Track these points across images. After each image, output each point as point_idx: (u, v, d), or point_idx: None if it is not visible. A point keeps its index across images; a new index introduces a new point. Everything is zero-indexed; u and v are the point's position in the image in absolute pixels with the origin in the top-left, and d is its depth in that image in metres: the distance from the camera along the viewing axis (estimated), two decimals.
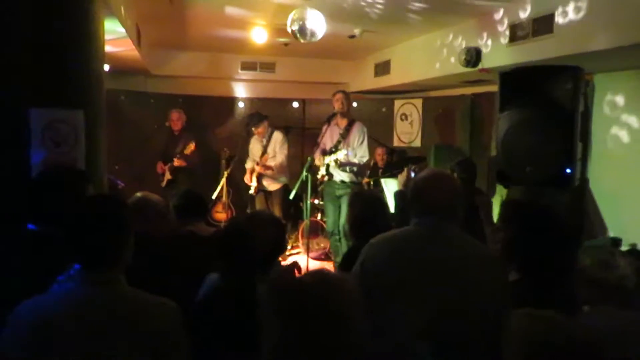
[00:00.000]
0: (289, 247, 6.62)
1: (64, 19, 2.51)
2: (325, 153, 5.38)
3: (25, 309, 1.60)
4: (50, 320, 1.56)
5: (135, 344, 1.59)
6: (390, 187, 5.42)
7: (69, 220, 1.69)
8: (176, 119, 6.63)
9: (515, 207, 2.28)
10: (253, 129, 6.27)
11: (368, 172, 6.01)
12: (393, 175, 5.80)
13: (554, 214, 2.20)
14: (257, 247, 2.11)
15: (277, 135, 6.29)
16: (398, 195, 2.98)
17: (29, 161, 2.31)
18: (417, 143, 7.51)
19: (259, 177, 6.22)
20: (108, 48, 3.50)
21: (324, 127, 5.53)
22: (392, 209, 5.11)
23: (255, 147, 6.41)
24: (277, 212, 6.18)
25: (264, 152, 6.25)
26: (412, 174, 2.89)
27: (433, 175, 2.07)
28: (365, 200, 3.01)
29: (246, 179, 6.33)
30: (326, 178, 5.41)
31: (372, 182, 5.98)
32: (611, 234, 4.42)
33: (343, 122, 5.40)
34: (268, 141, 6.28)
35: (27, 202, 2.02)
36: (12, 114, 2.33)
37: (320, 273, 1.39)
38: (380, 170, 6.52)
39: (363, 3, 4.48)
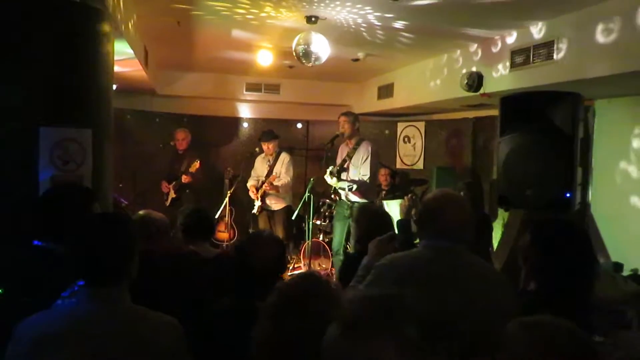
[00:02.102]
0: (290, 267, 6.62)
1: (76, 40, 2.57)
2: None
3: (28, 325, 1.62)
4: (52, 336, 1.58)
5: None
6: (392, 208, 5.44)
7: (75, 237, 1.71)
8: (181, 139, 6.69)
9: (538, 219, 2.25)
10: (264, 143, 6.31)
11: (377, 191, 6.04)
12: (395, 197, 5.84)
13: (584, 232, 2.18)
14: (257, 266, 2.11)
15: (284, 156, 6.34)
16: (401, 225, 3.00)
17: (37, 178, 2.35)
18: (420, 165, 7.56)
19: (263, 196, 6.26)
20: (116, 68, 3.56)
21: (339, 148, 5.63)
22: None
23: (260, 165, 6.46)
24: (280, 231, 6.20)
25: (270, 171, 6.30)
26: (412, 202, 2.92)
27: (444, 197, 2.05)
28: (371, 214, 3.03)
29: (251, 193, 6.36)
30: (338, 198, 5.48)
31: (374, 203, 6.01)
32: (612, 258, 4.42)
33: (351, 142, 5.46)
34: (275, 161, 6.33)
35: (33, 219, 2.04)
36: (23, 132, 2.37)
37: (310, 274, 1.45)
38: (384, 192, 6.56)
39: (366, 28, 4.57)
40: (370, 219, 2.99)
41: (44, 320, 1.63)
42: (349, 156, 5.40)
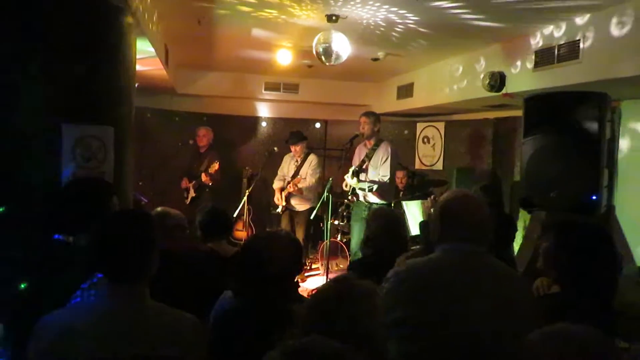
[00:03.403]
0: (308, 267, 6.61)
1: (99, 38, 2.59)
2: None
3: (49, 320, 1.62)
4: (72, 332, 1.58)
5: (157, 356, 1.60)
6: (411, 209, 5.38)
7: (96, 233, 1.71)
8: (202, 135, 6.72)
9: (561, 222, 2.20)
10: (292, 146, 6.31)
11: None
12: (414, 198, 5.78)
13: (604, 232, 2.14)
14: (271, 266, 2.07)
15: (312, 158, 6.31)
16: (423, 226, 2.97)
17: (60, 174, 2.36)
18: (439, 166, 7.49)
19: (288, 197, 6.25)
20: (137, 67, 3.58)
21: (356, 149, 5.59)
22: (412, 232, 5.07)
23: (287, 165, 6.44)
24: (301, 232, 6.19)
25: (297, 172, 6.28)
26: (435, 204, 2.88)
27: (463, 200, 2.00)
28: (381, 216, 3.02)
29: (276, 199, 6.35)
30: (355, 199, 5.44)
31: (392, 204, 5.95)
32: (637, 263, 4.32)
33: (370, 142, 5.43)
34: (302, 162, 6.30)
35: (53, 213, 2.04)
36: (46, 129, 2.39)
37: (346, 284, 1.39)
38: (401, 193, 6.50)
39: (387, 27, 4.53)
40: (379, 221, 2.98)
41: (64, 316, 1.64)
42: (368, 157, 5.37)
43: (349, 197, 5.57)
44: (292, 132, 6.51)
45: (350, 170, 5.29)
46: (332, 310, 1.30)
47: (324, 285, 1.47)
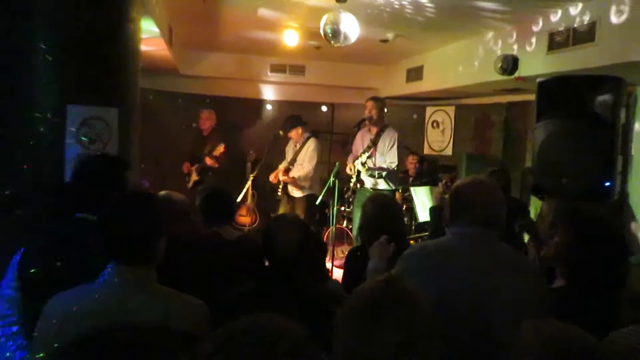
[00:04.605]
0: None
1: (104, 18, 2.54)
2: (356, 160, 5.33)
3: (57, 301, 1.63)
4: (79, 313, 1.58)
5: (164, 335, 1.57)
6: (419, 195, 5.34)
7: (104, 215, 1.71)
8: (205, 118, 6.61)
9: (575, 214, 2.16)
10: (285, 132, 6.20)
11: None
12: (423, 183, 5.72)
13: (616, 226, 2.12)
14: (279, 249, 2.06)
15: (311, 143, 6.07)
16: (433, 211, 2.92)
17: (63, 156, 2.33)
18: (449, 151, 7.41)
19: (285, 183, 6.16)
20: (141, 47, 3.51)
21: (357, 134, 5.49)
22: (420, 219, 5.01)
23: (290, 150, 6.29)
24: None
25: (294, 158, 6.16)
26: (446, 189, 2.82)
27: (477, 185, 2.02)
28: (377, 202, 2.99)
29: (271, 177, 6.25)
30: (358, 185, 5.36)
31: (401, 190, 5.89)
32: None
33: (375, 128, 5.34)
34: (301, 148, 6.11)
35: (74, 191, 2.03)
36: (51, 110, 2.35)
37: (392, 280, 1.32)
38: (411, 179, 6.44)
39: (397, 8, 4.42)
40: (375, 207, 2.95)
41: (73, 297, 1.64)
42: (374, 143, 5.29)
43: (352, 183, 5.47)
44: (288, 116, 6.31)
45: (364, 155, 5.19)
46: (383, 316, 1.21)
47: (370, 285, 1.33)
